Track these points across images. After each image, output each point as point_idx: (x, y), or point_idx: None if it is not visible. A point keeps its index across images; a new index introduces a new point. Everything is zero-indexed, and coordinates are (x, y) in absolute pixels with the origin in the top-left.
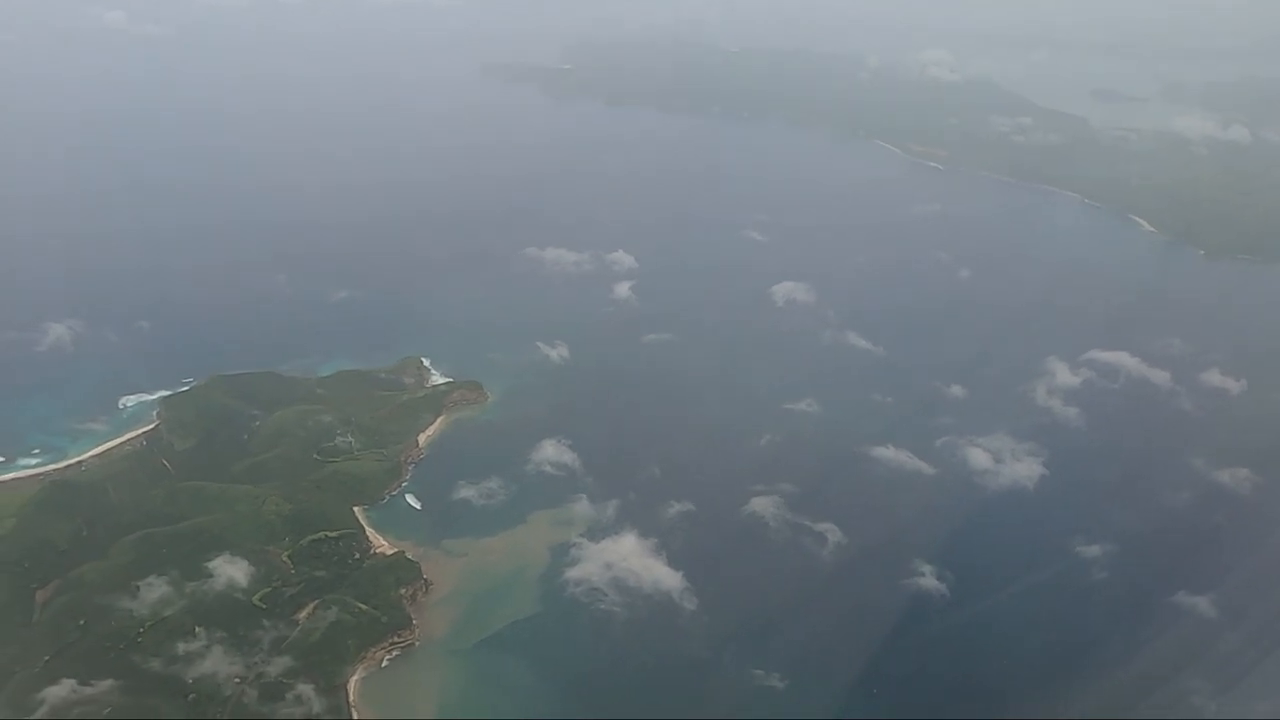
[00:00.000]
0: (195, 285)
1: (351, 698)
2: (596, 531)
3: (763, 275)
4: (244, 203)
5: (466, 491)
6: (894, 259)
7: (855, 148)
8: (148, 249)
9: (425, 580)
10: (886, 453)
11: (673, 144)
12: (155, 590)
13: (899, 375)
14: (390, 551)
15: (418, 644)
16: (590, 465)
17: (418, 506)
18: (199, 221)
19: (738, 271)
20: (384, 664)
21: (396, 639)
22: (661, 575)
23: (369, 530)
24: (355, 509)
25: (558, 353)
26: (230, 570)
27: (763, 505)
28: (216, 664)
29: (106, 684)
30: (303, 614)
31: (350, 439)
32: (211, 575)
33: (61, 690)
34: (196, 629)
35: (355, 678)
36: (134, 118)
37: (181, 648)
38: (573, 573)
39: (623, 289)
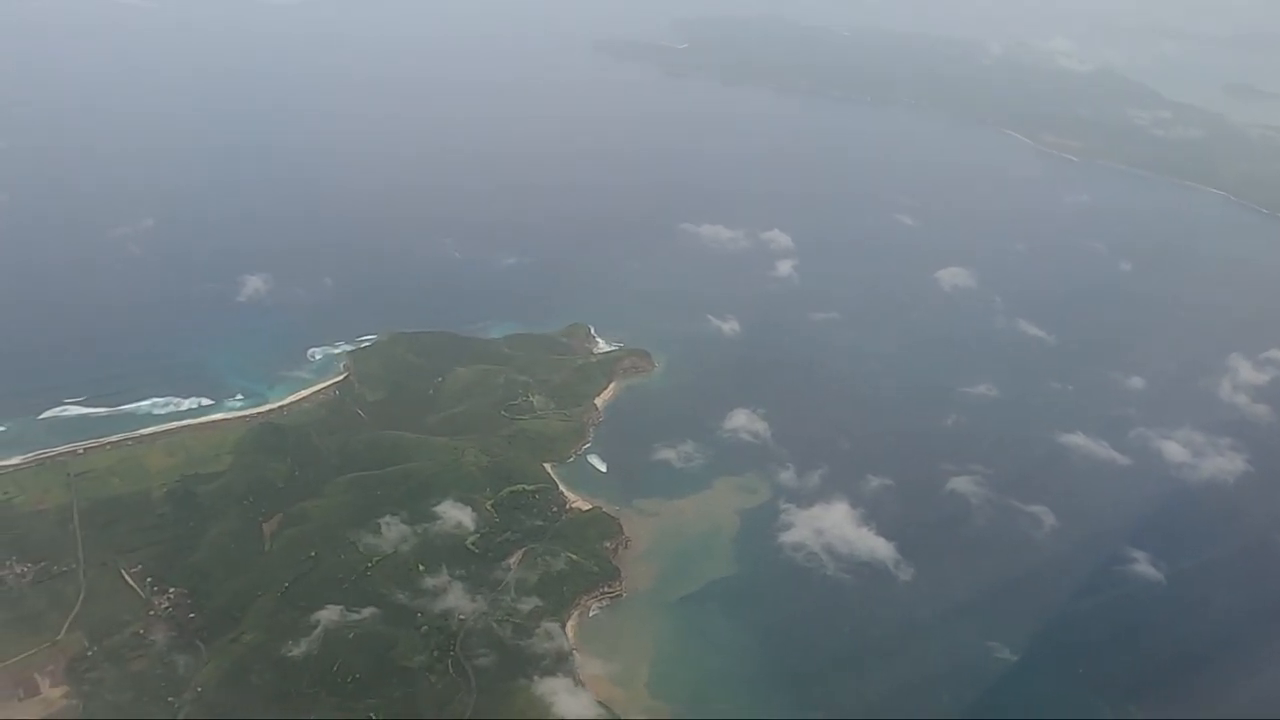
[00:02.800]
0: (372, 246)
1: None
2: (793, 499)
3: (921, 259)
4: (403, 170)
5: (665, 454)
6: (1051, 248)
7: (985, 136)
8: (328, 211)
9: (625, 536)
10: (1078, 440)
11: (800, 126)
12: (394, 529)
13: (1073, 364)
14: (586, 507)
15: (624, 595)
16: (781, 435)
17: (602, 468)
18: (367, 186)
19: (895, 254)
20: (592, 612)
21: (606, 589)
22: (875, 545)
23: (561, 486)
24: (546, 465)
25: (729, 326)
26: (457, 514)
27: (963, 484)
28: (457, 599)
29: (369, 611)
30: (512, 560)
31: (532, 399)
32: (439, 518)
33: (332, 614)
34: (420, 566)
35: (569, 623)
36: (296, 86)
37: (430, 582)
38: (786, 537)
39: (784, 267)
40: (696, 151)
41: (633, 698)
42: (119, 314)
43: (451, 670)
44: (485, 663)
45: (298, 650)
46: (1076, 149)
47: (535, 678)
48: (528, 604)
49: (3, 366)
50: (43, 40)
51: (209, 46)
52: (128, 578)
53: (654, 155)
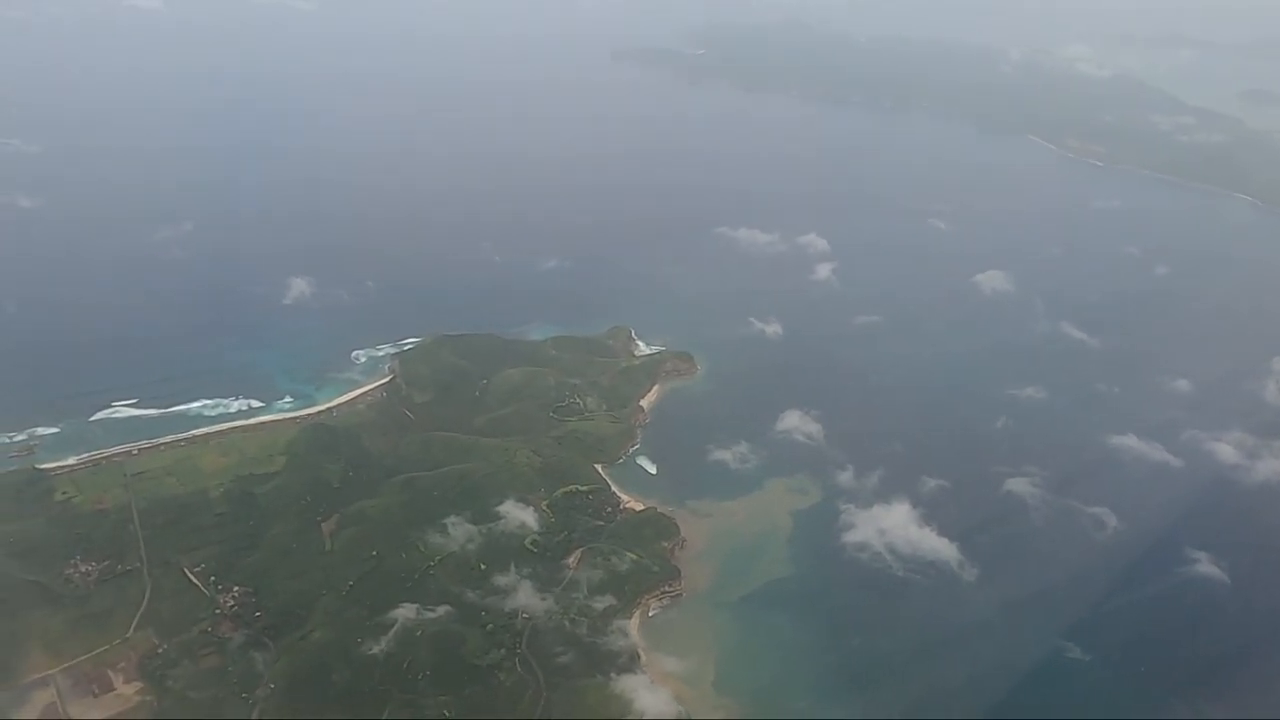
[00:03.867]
0: (411, 249)
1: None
2: (851, 499)
3: (959, 263)
4: (435, 172)
5: (718, 455)
6: (1086, 252)
7: (1009, 141)
8: (365, 213)
9: (682, 536)
10: (1130, 442)
11: (824, 131)
12: (460, 529)
13: (1118, 367)
14: (640, 508)
15: (684, 595)
16: (834, 437)
17: (652, 469)
18: (401, 188)
19: (931, 258)
20: (652, 612)
21: (667, 589)
22: (938, 545)
23: (613, 487)
24: (596, 466)
25: (771, 329)
26: (519, 514)
27: (1019, 485)
28: (527, 598)
29: (443, 609)
30: (571, 559)
31: (584, 401)
32: (502, 518)
33: (408, 612)
34: (481, 565)
35: (632, 622)
36: (319, 88)
37: (500, 581)
38: (849, 537)
39: (823, 270)
40: (724, 155)
41: (700, 696)
42: (166, 316)
43: (519, 668)
44: (561, 661)
45: (377, 648)
46: (1101, 154)
47: (611, 675)
48: (601, 602)
49: (54, 369)
50: (69, 44)
51: (233, 49)
52: (191, 576)
53: (683, 158)
